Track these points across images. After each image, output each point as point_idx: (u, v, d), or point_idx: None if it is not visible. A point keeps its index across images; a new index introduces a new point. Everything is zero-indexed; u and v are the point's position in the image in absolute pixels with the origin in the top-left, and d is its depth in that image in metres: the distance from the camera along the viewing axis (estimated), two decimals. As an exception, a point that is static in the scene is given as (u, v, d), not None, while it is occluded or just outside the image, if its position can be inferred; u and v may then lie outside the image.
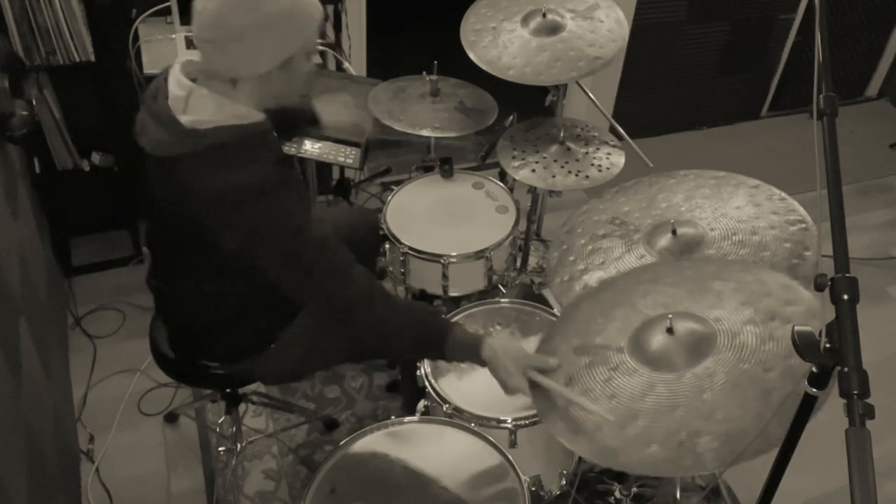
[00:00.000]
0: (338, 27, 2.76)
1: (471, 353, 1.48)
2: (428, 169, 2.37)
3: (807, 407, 1.05)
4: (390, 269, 2.18)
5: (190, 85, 1.37)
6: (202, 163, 1.37)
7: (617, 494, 1.98)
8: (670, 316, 1.32)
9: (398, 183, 2.31)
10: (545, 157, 2.17)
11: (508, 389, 1.45)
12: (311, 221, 1.44)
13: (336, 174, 3.01)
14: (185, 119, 1.36)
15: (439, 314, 1.60)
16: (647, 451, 1.18)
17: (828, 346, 0.93)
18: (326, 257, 1.44)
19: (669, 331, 1.31)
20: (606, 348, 1.36)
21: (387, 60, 2.83)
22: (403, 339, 1.51)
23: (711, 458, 1.15)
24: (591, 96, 2.30)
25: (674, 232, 1.63)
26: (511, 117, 2.44)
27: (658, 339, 1.32)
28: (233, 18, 1.32)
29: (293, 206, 1.42)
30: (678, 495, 1.94)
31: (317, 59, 2.44)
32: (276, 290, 1.48)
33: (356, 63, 2.91)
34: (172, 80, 1.39)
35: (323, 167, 2.78)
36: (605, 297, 1.50)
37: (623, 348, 1.35)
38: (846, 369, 0.88)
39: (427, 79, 2.26)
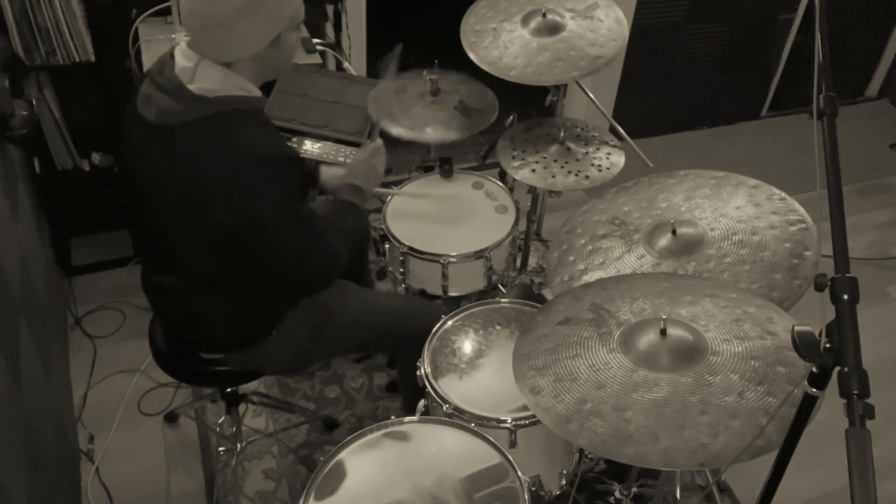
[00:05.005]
0: (338, 27, 2.76)
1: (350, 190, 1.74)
2: (428, 169, 2.37)
3: (807, 407, 1.05)
4: (390, 269, 2.18)
5: (197, 57, 1.41)
6: (210, 128, 1.40)
7: (617, 494, 1.98)
8: (664, 317, 1.35)
9: (398, 183, 2.31)
10: (545, 157, 2.17)
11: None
12: (306, 200, 1.53)
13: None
14: (193, 87, 1.39)
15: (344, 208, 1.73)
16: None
17: (828, 346, 0.93)
18: (314, 231, 1.53)
19: (663, 332, 1.34)
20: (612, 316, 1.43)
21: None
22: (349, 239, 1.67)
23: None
24: (591, 96, 2.30)
25: (674, 232, 1.63)
26: (511, 117, 2.44)
27: (650, 337, 1.35)
28: (213, 9, 1.35)
29: (295, 178, 1.47)
30: (678, 495, 1.94)
31: (317, 59, 2.45)
32: (272, 273, 1.54)
33: (356, 63, 2.91)
34: (179, 54, 1.43)
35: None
36: (626, 285, 1.54)
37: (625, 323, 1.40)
38: (846, 369, 0.88)
39: (427, 77, 2.26)
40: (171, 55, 1.45)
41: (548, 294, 2.21)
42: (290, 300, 1.71)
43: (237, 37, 1.38)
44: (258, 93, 1.48)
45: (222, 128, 1.40)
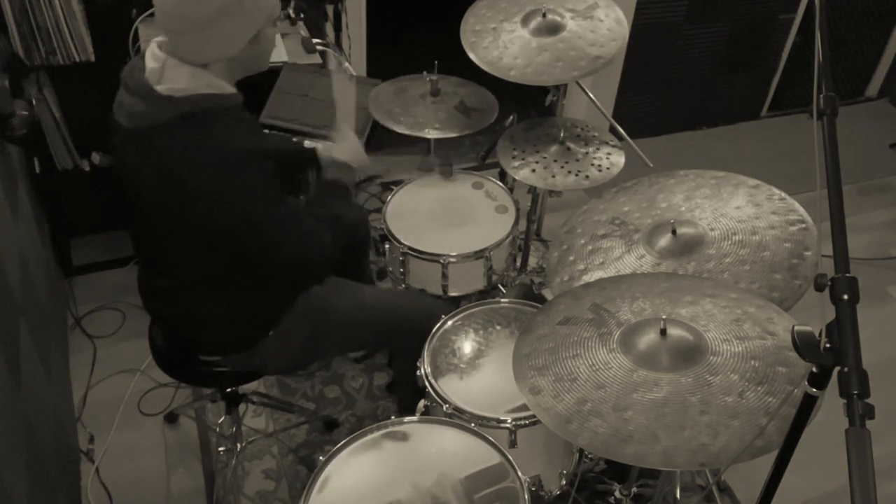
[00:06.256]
0: (338, 27, 2.76)
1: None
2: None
3: (807, 407, 1.05)
4: (390, 269, 2.18)
5: (164, 57, 1.39)
6: (181, 131, 1.38)
7: (617, 494, 1.98)
8: (664, 317, 1.35)
9: (398, 183, 2.31)
10: (545, 157, 2.17)
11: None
12: (285, 195, 1.49)
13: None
14: (160, 88, 1.37)
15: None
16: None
17: (828, 346, 0.93)
18: (296, 223, 1.51)
19: (663, 332, 1.34)
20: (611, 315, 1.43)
21: (388, 66, 2.83)
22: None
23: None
24: (591, 96, 2.30)
25: (674, 232, 1.63)
26: (511, 117, 2.44)
27: (650, 337, 1.35)
28: (192, 10, 1.33)
29: (272, 171, 1.44)
30: (678, 495, 1.94)
31: (317, 59, 2.44)
32: (265, 269, 1.54)
33: (356, 63, 2.91)
34: (148, 55, 1.41)
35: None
36: (626, 285, 1.53)
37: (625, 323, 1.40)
38: (846, 369, 0.88)
39: (427, 78, 2.26)
40: (142, 57, 1.43)
41: (548, 294, 2.21)
42: (287, 300, 1.71)
43: (217, 37, 1.36)
44: (230, 90, 1.45)
45: (192, 128, 1.38)
